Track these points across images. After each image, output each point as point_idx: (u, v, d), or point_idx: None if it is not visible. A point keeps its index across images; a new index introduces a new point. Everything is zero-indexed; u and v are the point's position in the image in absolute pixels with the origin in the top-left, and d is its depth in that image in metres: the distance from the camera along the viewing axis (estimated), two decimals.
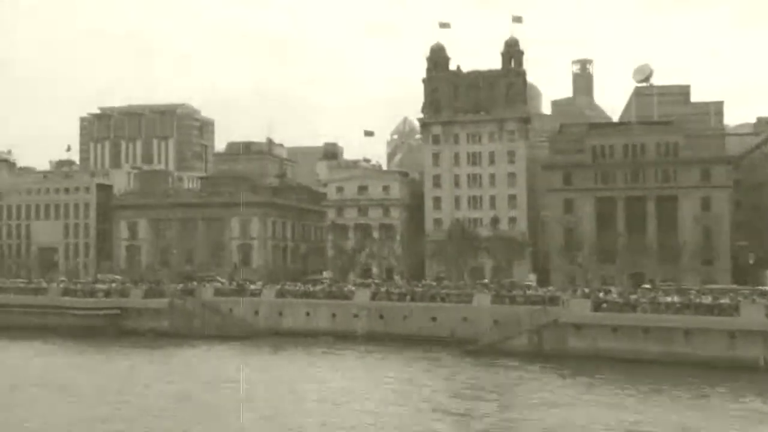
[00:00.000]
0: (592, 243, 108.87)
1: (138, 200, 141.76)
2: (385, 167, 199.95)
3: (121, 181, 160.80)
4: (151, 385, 60.80)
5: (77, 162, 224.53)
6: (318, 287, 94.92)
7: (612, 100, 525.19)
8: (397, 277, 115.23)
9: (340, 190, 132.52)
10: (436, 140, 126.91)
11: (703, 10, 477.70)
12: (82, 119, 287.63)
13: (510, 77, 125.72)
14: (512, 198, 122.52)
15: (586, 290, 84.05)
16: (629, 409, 51.31)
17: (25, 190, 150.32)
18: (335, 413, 50.80)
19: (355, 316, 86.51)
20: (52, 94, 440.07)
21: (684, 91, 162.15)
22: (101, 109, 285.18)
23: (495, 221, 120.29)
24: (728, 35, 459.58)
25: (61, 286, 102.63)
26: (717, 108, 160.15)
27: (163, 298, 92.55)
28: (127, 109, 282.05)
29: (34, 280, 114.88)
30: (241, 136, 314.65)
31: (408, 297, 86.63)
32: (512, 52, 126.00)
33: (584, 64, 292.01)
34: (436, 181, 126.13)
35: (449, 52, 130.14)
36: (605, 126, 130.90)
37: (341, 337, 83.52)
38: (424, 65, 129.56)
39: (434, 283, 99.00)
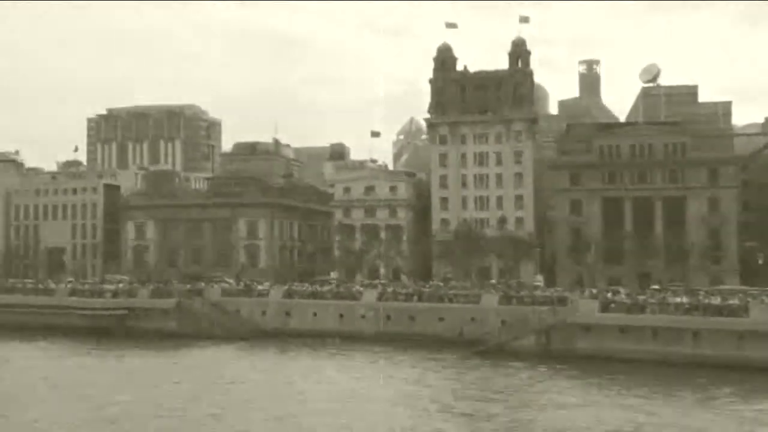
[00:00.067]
0: (599, 243, 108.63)
1: (145, 201, 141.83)
2: (391, 167, 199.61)
3: (128, 182, 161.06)
4: (159, 386, 60.93)
5: (84, 163, 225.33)
6: (325, 288, 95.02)
7: (619, 100, 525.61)
8: (404, 278, 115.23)
9: (347, 190, 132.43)
10: (443, 140, 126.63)
11: (710, 11, 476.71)
12: (89, 120, 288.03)
13: (517, 78, 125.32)
14: (519, 198, 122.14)
15: (594, 291, 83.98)
16: (637, 410, 51.19)
17: (33, 190, 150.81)
18: (344, 414, 50.77)
19: (363, 316, 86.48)
20: (60, 95, 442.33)
21: (691, 91, 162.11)
22: (108, 109, 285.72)
23: (502, 222, 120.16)
24: (736, 35, 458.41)
25: (69, 286, 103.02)
26: (725, 108, 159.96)
27: (171, 299, 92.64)
28: (134, 109, 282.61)
29: (42, 280, 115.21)
30: (248, 136, 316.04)
31: (415, 297, 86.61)
32: (519, 52, 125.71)
33: (591, 64, 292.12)
34: (443, 182, 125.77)
35: (456, 53, 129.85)
36: (612, 126, 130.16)
37: (348, 338, 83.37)
38: (431, 65, 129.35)
39: (441, 284, 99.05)
